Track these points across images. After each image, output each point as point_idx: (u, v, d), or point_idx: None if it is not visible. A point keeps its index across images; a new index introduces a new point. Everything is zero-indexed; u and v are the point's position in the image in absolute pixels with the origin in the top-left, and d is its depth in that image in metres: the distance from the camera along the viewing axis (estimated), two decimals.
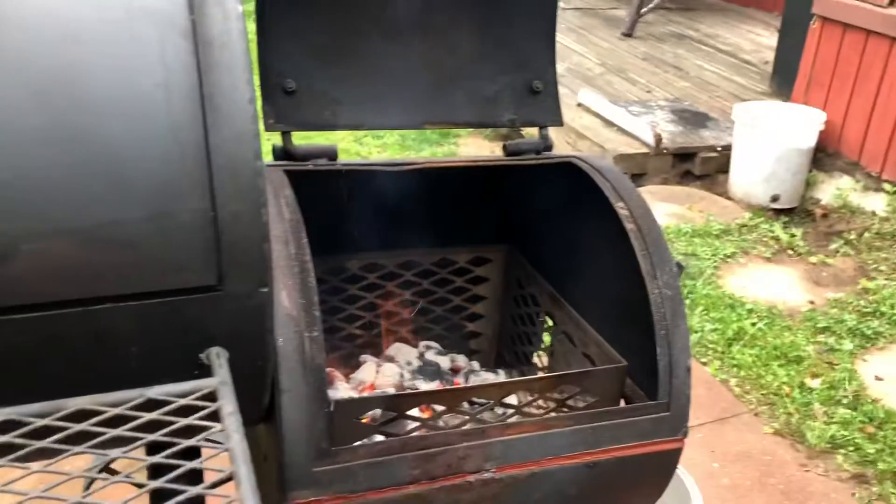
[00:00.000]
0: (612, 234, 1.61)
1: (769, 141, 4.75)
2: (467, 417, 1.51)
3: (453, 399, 1.47)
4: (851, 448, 2.97)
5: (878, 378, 3.37)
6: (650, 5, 8.09)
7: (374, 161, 1.67)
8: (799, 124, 4.76)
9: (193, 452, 1.29)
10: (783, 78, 6.17)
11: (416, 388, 1.91)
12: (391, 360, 2.04)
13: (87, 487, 1.69)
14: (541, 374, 1.96)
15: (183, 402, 0.98)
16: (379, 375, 1.95)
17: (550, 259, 1.98)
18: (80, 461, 2.09)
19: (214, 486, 0.95)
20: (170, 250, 1.03)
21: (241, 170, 1.05)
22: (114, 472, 1.79)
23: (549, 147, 1.79)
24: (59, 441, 0.90)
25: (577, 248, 1.86)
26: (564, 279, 1.91)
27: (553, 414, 1.52)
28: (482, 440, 1.39)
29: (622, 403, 1.59)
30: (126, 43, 1.01)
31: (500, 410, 1.61)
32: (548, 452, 1.43)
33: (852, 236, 4.50)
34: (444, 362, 2.03)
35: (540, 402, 1.59)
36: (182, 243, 1.04)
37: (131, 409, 0.96)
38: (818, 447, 2.98)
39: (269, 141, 1.65)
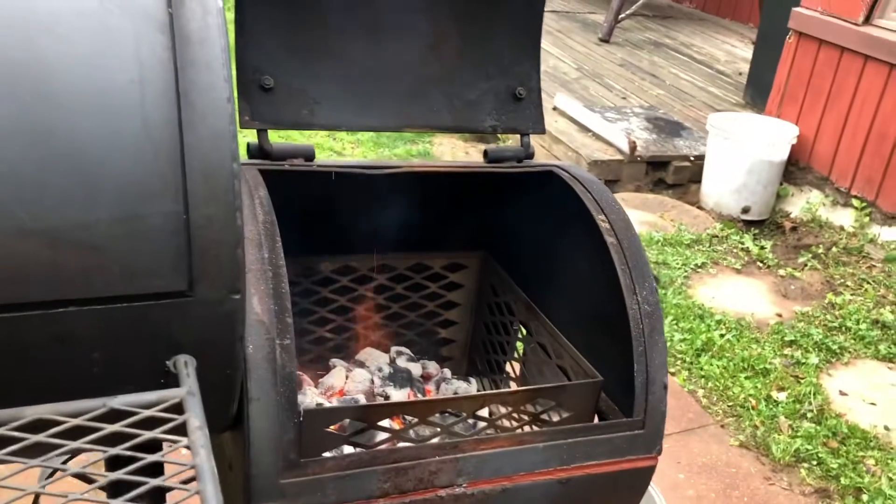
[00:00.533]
0: (591, 247, 1.59)
1: (742, 153, 4.78)
2: (439, 430, 1.49)
3: (426, 411, 1.44)
4: (815, 462, 3.00)
5: (842, 393, 3.40)
6: (628, 11, 8.12)
7: (351, 162, 1.64)
8: (771, 137, 4.80)
9: (158, 466, 1.25)
10: (756, 90, 6.23)
11: (387, 395, 1.88)
12: (362, 365, 2.00)
13: (35, 502, 1.62)
14: (515, 387, 1.94)
15: (147, 413, 0.93)
16: (349, 381, 1.91)
17: (526, 268, 1.95)
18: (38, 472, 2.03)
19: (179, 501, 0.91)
20: (139, 254, 0.99)
21: (216, 171, 1.01)
22: (90, 480, 1.73)
23: (530, 155, 1.76)
24: (14, 453, 0.85)
25: (554, 259, 1.84)
26: (540, 289, 1.89)
27: (527, 429, 1.50)
28: (454, 454, 1.36)
29: (595, 418, 1.58)
30: (99, 36, 0.96)
31: (471, 421, 1.58)
32: (520, 468, 1.41)
33: (820, 250, 4.54)
34: (416, 369, 2.00)
35: (513, 415, 1.57)
36: (152, 247, 0.99)
37: (93, 419, 0.91)
38: (783, 461, 2.99)
39: (245, 138, 1.61)
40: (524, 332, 1.94)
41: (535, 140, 6.04)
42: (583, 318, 1.72)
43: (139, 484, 0.84)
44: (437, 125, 1.72)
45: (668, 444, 3.02)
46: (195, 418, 0.93)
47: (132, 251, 0.98)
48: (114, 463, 1.18)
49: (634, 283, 1.50)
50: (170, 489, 0.85)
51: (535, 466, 1.41)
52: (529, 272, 1.93)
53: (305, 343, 2.00)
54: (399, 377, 1.91)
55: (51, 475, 1.76)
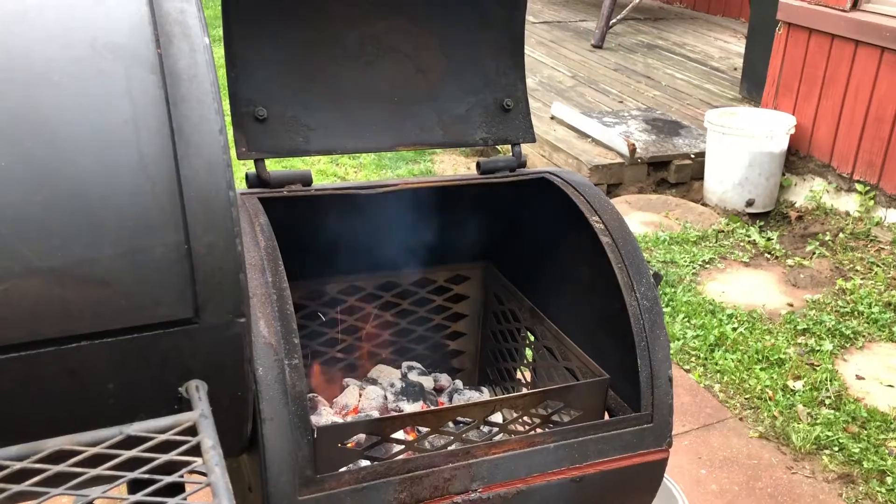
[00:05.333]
0: (588, 248, 1.62)
1: (741, 146, 4.80)
2: (452, 438, 1.51)
3: (437, 420, 1.47)
4: (836, 448, 2.99)
5: (859, 377, 3.40)
6: (619, 16, 8.17)
7: (348, 184, 1.67)
8: (769, 129, 4.81)
9: (178, 487, 1.28)
10: (752, 84, 6.26)
11: (401, 410, 1.91)
12: (374, 382, 2.03)
13: None
14: (524, 391, 1.96)
15: (163, 437, 0.97)
16: (363, 398, 1.94)
17: (529, 274, 1.98)
18: (63, 500, 2.06)
19: None
20: (144, 285, 1.03)
21: (213, 201, 1.05)
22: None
23: (522, 164, 1.80)
24: (37, 483, 0.89)
25: (554, 263, 1.87)
26: (543, 293, 1.92)
27: (537, 430, 1.52)
28: (467, 460, 1.38)
29: (606, 416, 1.60)
30: (92, 80, 1.01)
31: (485, 429, 1.61)
32: (533, 469, 1.43)
33: (827, 237, 4.55)
34: (428, 382, 2.03)
35: (524, 418, 1.59)
36: (157, 278, 1.03)
37: (110, 447, 0.95)
38: (804, 449, 2.99)
39: (245, 167, 1.65)
40: (531, 337, 1.97)
41: (535, 150, 6.03)
42: (586, 319, 1.75)
43: None
44: (428, 142, 1.76)
45: (687, 441, 3.03)
46: (208, 438, 0.96)
47: (138, 283, 1.02)
48: (136, 487, 1.22)
49: (632, 280, 1.53)
50: None
51: (547, 467, 1.44)
52: (532, 278, 1.96)
53: (318, 365, 2.03)
54: (411, 391, 1.94)
55: None
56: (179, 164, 1.03)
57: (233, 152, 1.58)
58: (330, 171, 5.43)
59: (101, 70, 1.02)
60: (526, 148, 1.84)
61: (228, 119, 1.64)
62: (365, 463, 1.53)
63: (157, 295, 1.04)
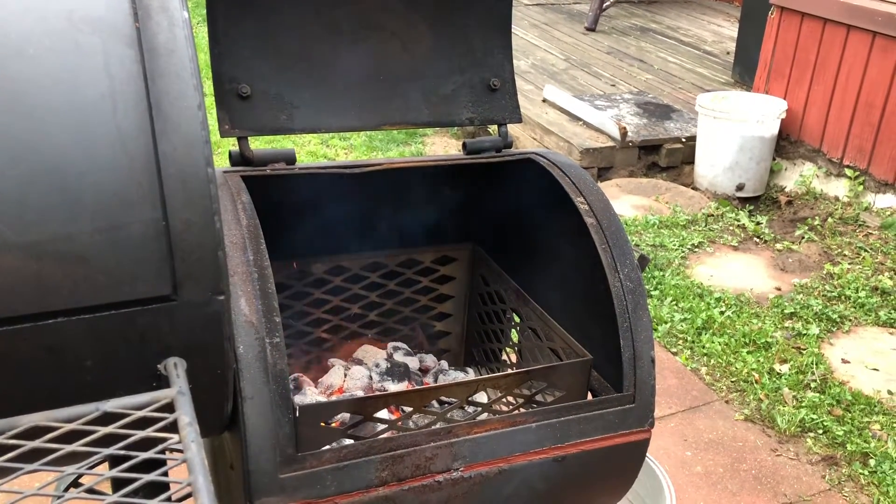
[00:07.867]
0: (573, 229, 1.62)
1: (732, 131, 4.80)
2: (435, 417, 1.51)
3: (420, 399, 1.47)
4: (821, 431, 3.02)
5: (844, 361, 3.42)
6: None
7: (332, 163, 1.67)
8: (760, 114, 4.81)
9: (158, 464, 1.28)
10: (744, 68, 6.25)
11: (385, 390, 1.91)
12: (360, 362, 2.03)
13: None
14: (507, 371, 1.97)
15: (140, 414, 0.97)
16: (347, 378, 1.94)
17: (514, 255, 1.98)
18: (38, 478, 2.06)
19: (174, 496, 0.94)
20: (122, 262, 1.02)
21: (191, 177, 1.04)
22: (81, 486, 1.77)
23: (508, 144, 1.79)
24: (12, 459, 0.88)
25: (539, 244, 1.87)
26: (529, 275, 1.92)
27: (521, 410, 1.53)
28: (449, 439, 1.39)
29: (589, 396, 1.60)
30: (69, 54, 1.00)
31: (470, 409, 1.61)
32: (515, 449, 1.44)
33: (816, 222, 4.56)
34: (413, 363, 2.03)
35: (508, 398, 1.60)
36: (134, 254, 1.02)
37: (87, 423, 0.95)
38: (788, 432, 3.01)
39: (234, 147, 1.64)
40: (517, 318, 1.97)
41: (527, 133, 6.00)
42: (571, 300, 1.75)
43: (136, 480, 0.88)
44: (414, 121, 1.75)
45: (673, 423, 3.05)
46: (185, 415, 0.96)
47: (116, 259, 1.01)
48: (116, 464, 1.22)
49: (616, 261, 1.53)
50: (164, 482, 0.89)
51: (529, 446, 1.44)
52: (518, 259, 1.96)
53: (303, 345, 2.03)
54: (396, 371, 1.94)
55: (67, 487, 1.80)
56: (157, 139, 1.02)
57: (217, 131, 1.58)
58: (320, 153, 5.41)
59: (77, 43, 1.01)
60: (517, 130, 1.84)
61: (212, 98, 1.62)
62: (349, 442, 1.53)
63: (134, 271, 1.03)
